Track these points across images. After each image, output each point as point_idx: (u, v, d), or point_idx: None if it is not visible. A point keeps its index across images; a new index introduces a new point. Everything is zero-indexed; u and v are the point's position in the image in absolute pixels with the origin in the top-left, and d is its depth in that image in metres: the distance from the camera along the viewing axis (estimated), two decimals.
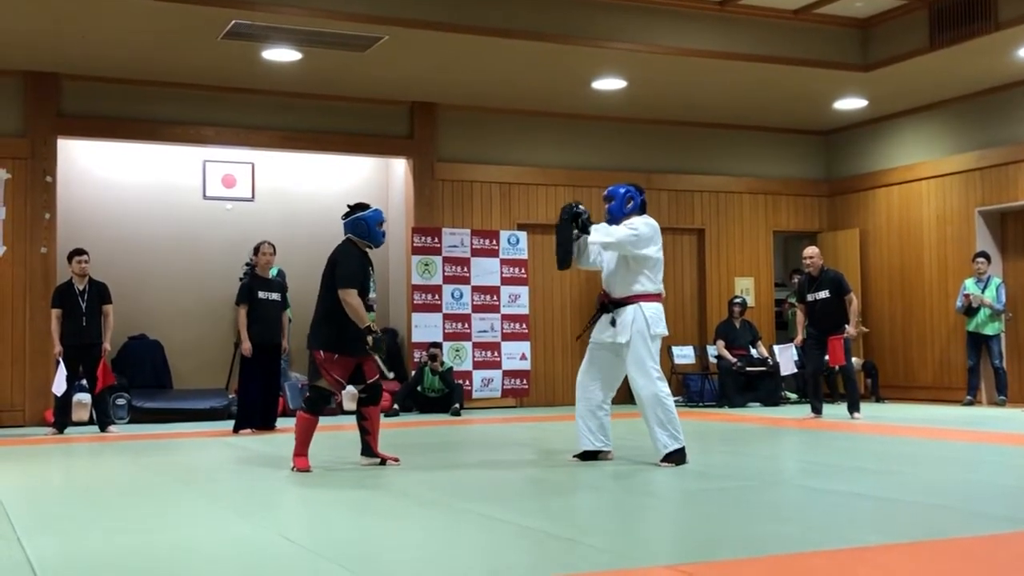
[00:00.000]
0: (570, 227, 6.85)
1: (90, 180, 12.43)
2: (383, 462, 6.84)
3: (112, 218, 12.44)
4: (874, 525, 4.62)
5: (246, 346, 9.75)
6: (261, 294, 9.90)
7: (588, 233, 6.77)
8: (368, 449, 6.90)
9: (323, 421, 11.07)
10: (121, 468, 7.36)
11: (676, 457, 6.60)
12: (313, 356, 6.80)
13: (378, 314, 13.51)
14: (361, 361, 6.73)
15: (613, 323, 6.71)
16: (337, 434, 9.97)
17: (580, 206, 6.88)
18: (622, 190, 6.90)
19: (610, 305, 6.77)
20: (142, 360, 12.16)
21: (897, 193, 13.87)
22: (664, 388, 6.67)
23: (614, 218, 6.84)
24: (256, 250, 10.10)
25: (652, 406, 6.62)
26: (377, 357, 6.60)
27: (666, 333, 6.76)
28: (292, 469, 6.57)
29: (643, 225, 6.70)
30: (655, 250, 6.72)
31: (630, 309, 6.66)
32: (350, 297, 6.56)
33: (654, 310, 6.68)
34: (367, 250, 6.95)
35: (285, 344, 10.24)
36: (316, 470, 6.83)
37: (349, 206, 7.09)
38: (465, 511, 5.13)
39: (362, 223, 6.87)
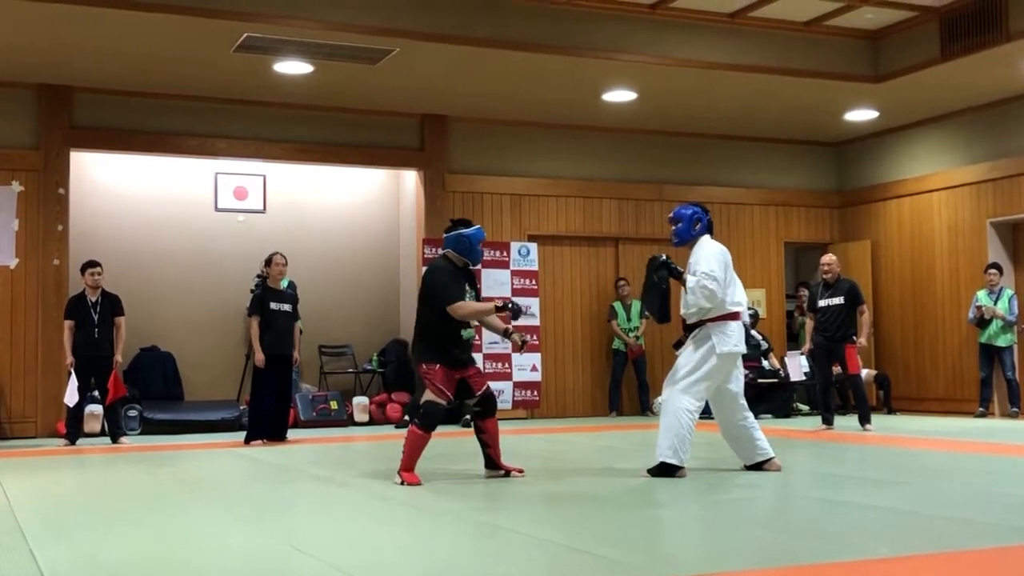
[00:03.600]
0: (663, 278, 6.88)
1: (102, 192, 12.48)
2: (507, 474, 6.81)
3: (124, 230, 12.48)
4: (886, 537, 4.60)
5: (259, 357, 9.74)
6: (273, 305, 9.92)
7: (676, 276, 6.83)
8: (491, 462, 6.86)
9: (336, 432, 11.16)
10: (133, 479, 7.38)
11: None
12: (417, 371, 6.81)
13: (389, 324, 13.55)
14: (464, 375, 6.71)
15: (677, 345, 6.88)
16: (347, 446, 9.98)
17: (663, 256, 6.96)
18: (688, 211, 6.96)
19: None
20: (154, 371, 12.19)
21: (908, 204, 13.85)
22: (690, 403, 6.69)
23: (683, 240, 6.94)
24: (268, 261, 10.11)
25: (667, 414, 6.70)
26: (516, 337, 6.65)
27: (736, 351, 6.74)
28: (400, 482, 6.42)
29: (718, 265, 6.71)
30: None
31: (703, 329, 6.78)
32: (460, 309, 6.55)
33: (722, 329, 6.72)
34: (464, 266, 6.84)
35: (297, 355, 10.25)
36: (331, 482, 6.83)
37: (452, 221, 6.98)
38: (478, 523, 5.12)
39: (464, 240, 6.78)
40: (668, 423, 6.64)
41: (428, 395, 6.59)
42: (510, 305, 6.56)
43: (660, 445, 6.65)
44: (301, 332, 10.66)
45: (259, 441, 9.82)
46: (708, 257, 6.75)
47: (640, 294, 7.09)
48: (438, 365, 6.57)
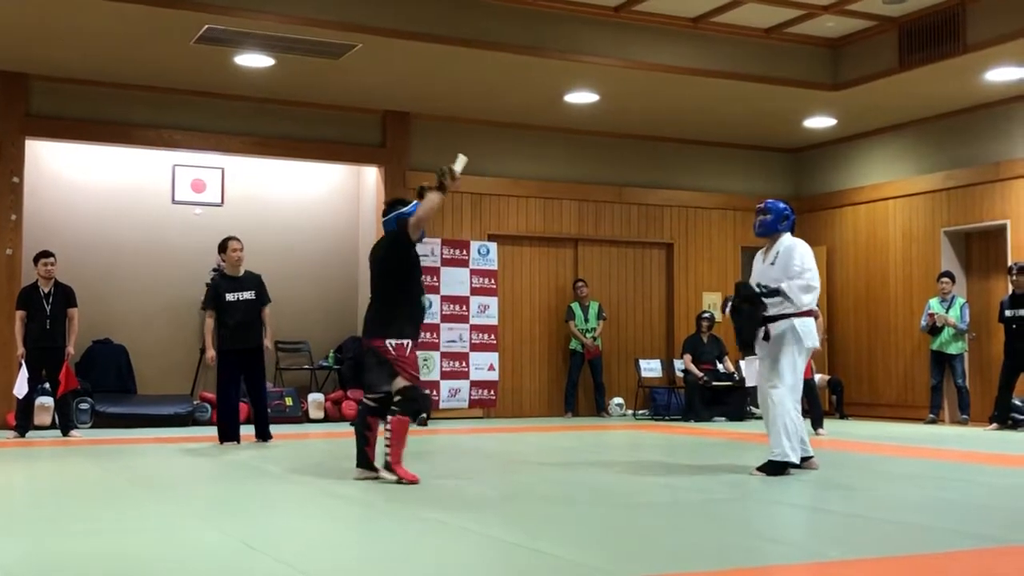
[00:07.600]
0: (757, 310, 6.98)
1: (58, 182, 12.32)
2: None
3: (79, 221, 12.33)
4: (838, 540, 4.65)
5: (210, 354, 9.18)
6: (229, 296, 9.14)
7: (762, 304, 6.97)
8: (367, 459, 6.60)
9: (291, 429, 11.09)
10: (83, 473, 7.29)
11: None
12: (377, 352, 6.32)
13: (346, 321, 13.48)
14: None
15: (767, 337, 6.95)
16: (302, 443, 9.93)
17: (755, 287, 7.07)
18: (781, 206, 7.26)
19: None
20: (106, 364, 12.05)
21: (864, 212, 14.00)
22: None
23: (766, 232, 7.24)
24: (223, 247, 9.37)
25: (781, 415, 6.84)
26: (448, 177, 6.40)
27: (815, 346, 7.00)
28: (396, 480, 6.23)
29: (813, 264, 7.00)
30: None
31: (783, 323, 6.93)
32: (418, 217, 6.32)
33: (806, 325, 6.92)
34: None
35: (268, 344, 9.38)
36: (285, 479, 6.79)
37: (387, 203, 6.83)
38: (432, 520, 5.11)
39: (404, 219, 6.63)
40: (784, 424, 6.78)
41: (402, 381, 6.25)
42: (441, 176, 6.34)
43: (781, 446, 6.78)
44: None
45: (232, 442, 9.12)
46: (805, 255, 7.03)
47: (737, 328, 7.14)
48: (409, 342, 6.26)
